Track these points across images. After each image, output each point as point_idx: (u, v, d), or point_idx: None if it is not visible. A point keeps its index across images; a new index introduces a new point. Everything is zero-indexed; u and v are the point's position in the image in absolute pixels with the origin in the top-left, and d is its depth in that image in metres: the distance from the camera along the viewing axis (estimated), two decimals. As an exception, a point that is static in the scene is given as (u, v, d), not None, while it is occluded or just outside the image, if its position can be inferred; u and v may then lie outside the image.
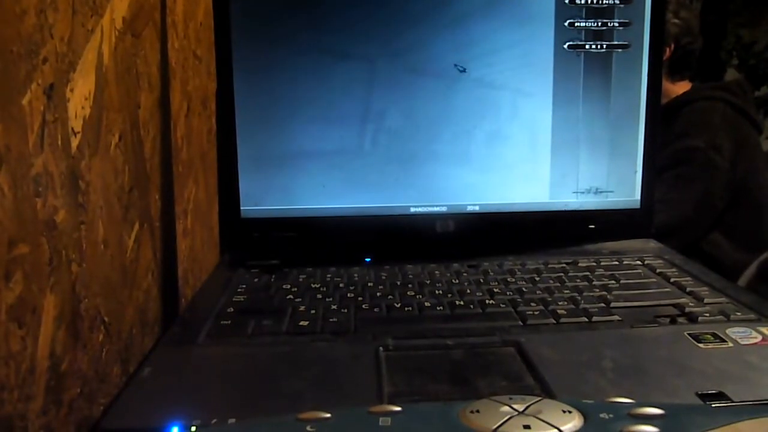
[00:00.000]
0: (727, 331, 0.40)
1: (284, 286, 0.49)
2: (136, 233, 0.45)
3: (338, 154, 0.57)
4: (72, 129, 0.36)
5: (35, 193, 0.32)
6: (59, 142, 0.34)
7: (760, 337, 0.39)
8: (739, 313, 0.43)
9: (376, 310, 0.45)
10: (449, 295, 0.47)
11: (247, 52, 0.55)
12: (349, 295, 0.47)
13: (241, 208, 0.57)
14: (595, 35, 0.57)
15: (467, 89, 0.56)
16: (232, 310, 0.45)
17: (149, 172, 0.48)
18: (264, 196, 0.57)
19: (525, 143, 0.58)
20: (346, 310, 0.45)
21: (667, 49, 1.22)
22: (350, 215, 0.57)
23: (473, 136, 0.57)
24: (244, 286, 0.50)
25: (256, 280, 0.51)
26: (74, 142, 0.36)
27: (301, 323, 0.43)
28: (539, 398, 0.28)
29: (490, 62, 0.56)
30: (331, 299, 0.46)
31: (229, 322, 0.43)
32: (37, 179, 0.32)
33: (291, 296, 0.47)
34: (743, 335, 0.39)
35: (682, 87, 1.25)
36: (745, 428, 0.25)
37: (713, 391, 0.33)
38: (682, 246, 0.74)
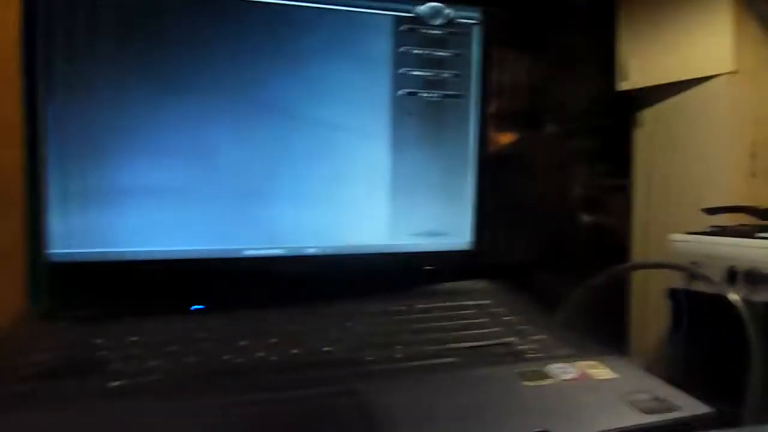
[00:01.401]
0: (549, 368, 0.42)
1: (97, 341, 0.43)
2: None
3: (165, 191, 0.52)
4: None
5: None
6: None
7: (577, 372, 0.41)
8: (559, 350, 0.45)
9: (202, 364, 0.41)
10: (285, 344, 0.44)
11: (61, 75, 0.49)
12: (171, 348, 0.43)
13: (50, 251, 0.50)
14: (430, 84, 0.59)
15: (306, 128, 0.56)
16: (30, 371, 0.39)
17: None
18: (78, 238, 0.51)
19: (363, 185, 0.58)
20: (166, 366, 0.40)
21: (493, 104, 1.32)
22: (177, 258, 0.53)
23: (311, 176, 0.56)
24: (47, 341, 0.43)
25: (63, 334, 0.45)
26: None
27: (113, 383, 0.38)
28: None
29: (329, 103, 0.56)
30: (149, 353, 0.42)
31: (25, 385, 0.37)
32: None
33: (104, 351, 0.42)
34: (563, 371, 0.41)
35: (506, 138, 1.36)
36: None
37: (539, 430, 0.34)
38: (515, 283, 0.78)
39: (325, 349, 0.44)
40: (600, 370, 0.42)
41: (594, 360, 0.43)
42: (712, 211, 0.83)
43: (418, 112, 0.59)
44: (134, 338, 0.44)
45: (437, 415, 0.35)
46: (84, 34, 0.50)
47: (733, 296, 0.54)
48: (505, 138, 1.35)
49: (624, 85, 1.12)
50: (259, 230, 0.55)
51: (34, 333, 0.45)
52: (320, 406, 0.36)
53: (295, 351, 0.43)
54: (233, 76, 0.53)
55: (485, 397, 0.38)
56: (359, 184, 0.58)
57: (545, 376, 0.40)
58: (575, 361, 0.43)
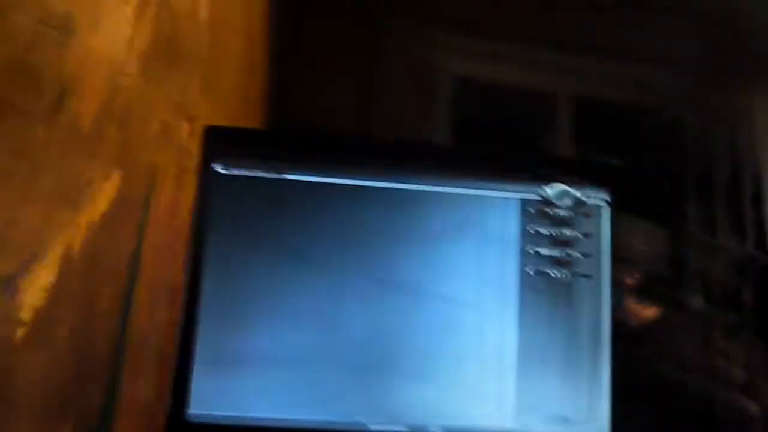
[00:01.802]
0: None
1: None
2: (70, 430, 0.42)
3: (297, 362, 0.55)
4: (20, 319, 0.35)
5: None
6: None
7: None
8: None
9: None
10: None
11: (219, 250, 0.56)
12: None
13: (189, 411, 0.54)
14: (559, 263, 0.59)
15: (432, 306, 0.57)
16: None
17: (95, 366, 0.46)
18: (215, 401, 0.54)
19: (489, 364, 0.57)
20: None
21: (636, 275, 1.27)
22: (305, 428, 0.54)
23: (436, 353, 0.56)
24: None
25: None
26: (19, 332, 0.35)
27: None
28: None
29: (456, 281, 0.58)
30: None
31: None
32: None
33: None
34: None
35: (650, 311, 1.28)
36: None
37: None
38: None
39: None
40: None
41: None
42: None
43: (547, 291, 0.59)
44: None
45: None
46: (239, 217, 0.57)
47: None
48: (644, 313, 1.27)
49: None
50: (383, 406, 0.55)
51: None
52: None
53: None
54: (365, 255, 0.57)
55: None
56: (485, 363, 0.57)
57: None
58: None
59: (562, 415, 0.57)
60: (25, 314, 0.35)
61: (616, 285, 0.60)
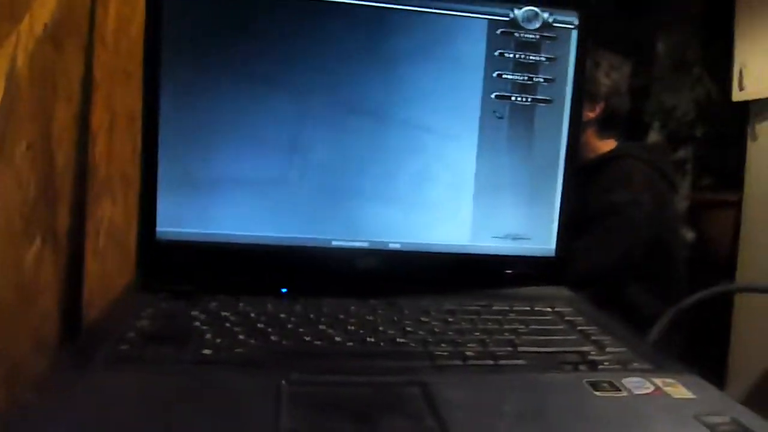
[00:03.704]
0: (623, 381, 0.41)
1: (193, 313, 0.48)
2: (37, 250, 0.43)
3: (262, 182, 0.56)
4: (-28, 134, 0.34)
5: None
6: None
7: (652, 388, 0.40)
8: (635, 364, 0.44)
9: (284, 342, 0.44)
10: (362, 332, 0.47)
11: (176, 72, 0.55)
12: (259, 325, 0.46)
13: (158, 229, 0.55)
14: (521, 88, 0.59)
15: (395, 129, 0.57)
16: (133, 335, 0.43)
17: (59, 187, 0.46)
18: (182, 220, 0.56)
19: (449, 185, 0.59)
20: (253, 341, 0.43)
21: (597, 108, 1.29)
22: (270, 244, 0.57)
23: (398, 175, 0.58)
24: (150, 310, 0.48)
25: (164, 305, 0.50)
26: (-28, 148, 0.35)
27: (204, 352, 0.41)
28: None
29: (419, 105, 0.58)
30: (240, 329, 0.45)
31: (128, 347, 0.41)
32: None
33: (198, 323, 0.46)
34: (637, 385, 0.40)
35: (608, 144, 1.31)
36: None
37: (604, 439, 0.34)
38: (603, 295, 0.77)
39: (399, 340, 0.46)
40: (677, 389, 0.40)
41: (672, 378, 0.42)
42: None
43: (508, 115, 0.59)
44: (226, 314, 0.48)
45: (501, 415, 0.36)
46: (196, 37, 0.55)
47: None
48: (603, 144, 1.31)
49: (739, 95, 1.05)
50: (346, 223, 0.58)
51: (139, 303, 0.50)
52: (388, 393, 0.38)
53: (370, 339, 0.45)
54: (329, 76, 0.56)
55: (552, 402, 0.38)
56: (445, 184, 0.59)
57: (618, 388, 0.40)
58: (652, 376, 0.42)
59: (513, 233, 0.61)
60: (-23, 129, 0.34)
61: (578, 115, 0.61)
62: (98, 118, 0.54)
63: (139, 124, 0.66)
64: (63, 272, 0.48)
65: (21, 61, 0.39)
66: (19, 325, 0.41)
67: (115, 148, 0.58)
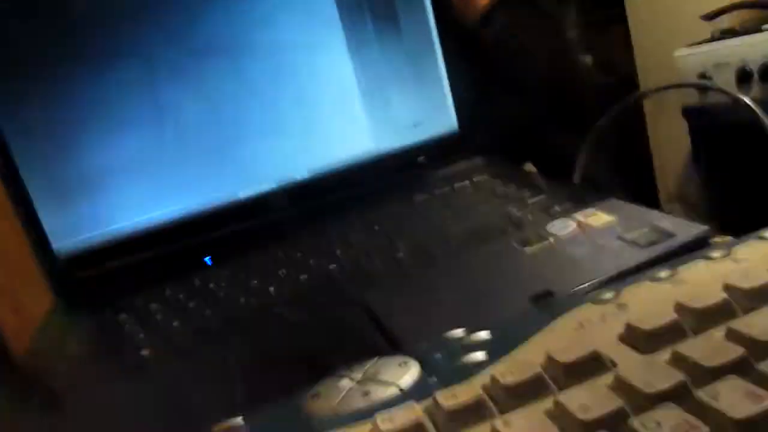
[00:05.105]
0: (548, 228, 0.42)
1: (120, 318, 0.46)
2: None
3: (141, 161, 0.52)
4: None
5: None
6: None
7: (574, 225, 0.41)
8: (556, 207, 0.45)
9: (221, 313, 0.43)
10: (292, 273, 0.46)
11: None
12: (190, 305, 0.45)
13: (54, 246, 0.52)
14: (371, -27, 0.56)
15: (259, 58, 0.54)
16: (67, 361, 0.41)
17: None
18: (75, 227, 0.52)
19: (333, 98, 0.57)
20: (189, 323, 0.42)
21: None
22: (176, 218, 0.54)
23: (279, 104, 0.55)
24: (77, 332, 0.46)
25: (88, 321, 0.47)
26: None
27: (144, 352, 0.40)
28: (375, 359, 0.28)
29: (274, 24, 0.54)
30: (171, 315, 0.44)
31: (68, 373, 0.39)
32: None
33: (128, 326, 0.44)
34: (561, 228, 0.41)
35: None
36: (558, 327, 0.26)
37: (541, 292, 0.35)
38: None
39: (331, 267, 0.45)
40: (598, 216, 0.42)
41: (591, 208, 0.43)
42: (711, 16, 0.78)
43: (368, 7, 0.56)
44: (154, 305, 0.46)
45: (442, 303, 0.36)
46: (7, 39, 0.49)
47: (747, 98, 0.53)
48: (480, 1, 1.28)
49: None
50: (245, 171, 0.55)
51: (63, 323, 0.47)
52: (334, 324, 0.38)
53: (303, 277, 0.45)
54: (167, 25, 0.51)
55: (487, 273, 0.39)
56: (329, 98, 0.57)
57: (545, 237, 0.41)
58: (574, 213, 0.43)
59: (412, 122, 0.60)
60: None
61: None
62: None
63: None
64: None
65: None
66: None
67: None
